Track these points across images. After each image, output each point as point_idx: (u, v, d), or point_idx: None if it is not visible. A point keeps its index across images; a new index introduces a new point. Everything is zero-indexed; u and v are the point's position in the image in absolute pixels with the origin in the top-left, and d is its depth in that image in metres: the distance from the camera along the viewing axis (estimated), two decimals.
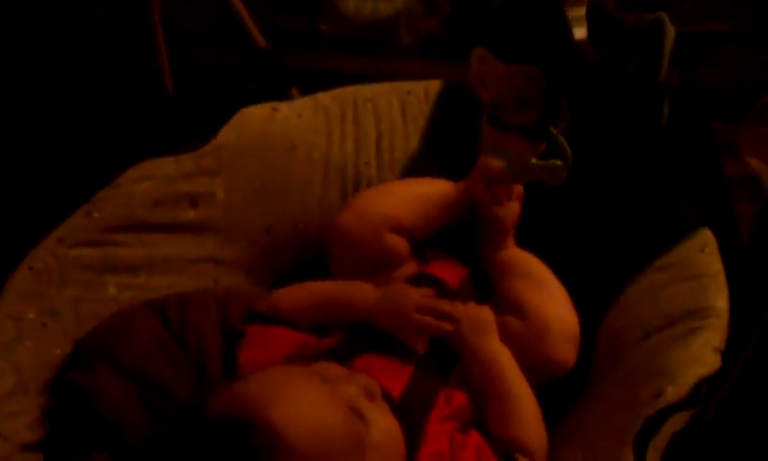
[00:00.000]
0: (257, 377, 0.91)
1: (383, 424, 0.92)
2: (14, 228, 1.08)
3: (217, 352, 1.07)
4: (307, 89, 1.37)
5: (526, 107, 0.99)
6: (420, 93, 1.37)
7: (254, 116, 1.25)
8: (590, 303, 1.17)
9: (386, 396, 0.98)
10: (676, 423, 0.96)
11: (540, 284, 1.16)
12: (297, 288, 1.12)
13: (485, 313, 1.07)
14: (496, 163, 1.15)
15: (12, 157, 1.52)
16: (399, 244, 1.17)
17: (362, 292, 1.08)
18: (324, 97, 1.33)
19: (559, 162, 1.06)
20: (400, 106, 1.36)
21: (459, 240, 1.25)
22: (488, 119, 1.12)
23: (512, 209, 1.19)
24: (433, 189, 1.22)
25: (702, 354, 1.02)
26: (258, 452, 0.84)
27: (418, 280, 1.15)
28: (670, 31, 0.94)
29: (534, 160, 1.09)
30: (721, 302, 1.09)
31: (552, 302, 1.14)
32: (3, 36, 1.72)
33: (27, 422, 0.94)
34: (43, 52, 1.74)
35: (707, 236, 1.17)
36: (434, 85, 1.38)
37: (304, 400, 0.87)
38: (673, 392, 0.97)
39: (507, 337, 1.11)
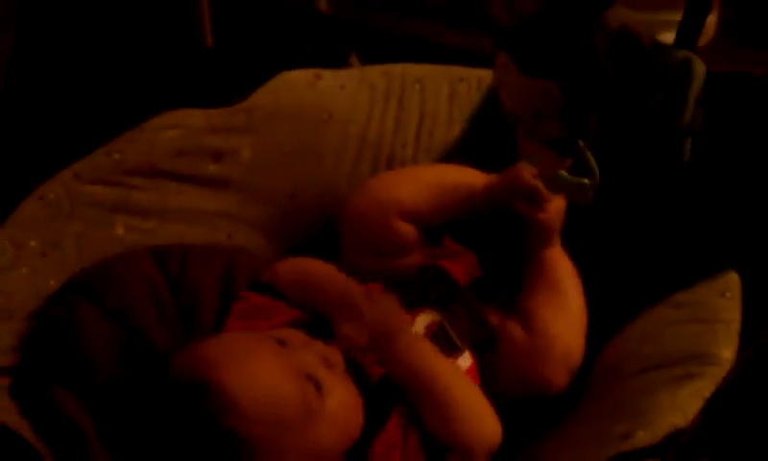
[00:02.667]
0: (216, 340, 0.94)
1: (340, 394, 0.94)
2: (37, 163, 1.12)
3: (212, 309, 1.09)
4: (374, 53, 1.36)
5: (543, 122, 0.96)
6: (473, 81, 1.35)
7: (295, 81, 1.26)
8: (598, 324, 1.14)
9: (361, 375, 0.99)
10: None
11: (563, 303, 1.12)
12: (296, 263, 1.12)
13: (390, 307, 1.01)
14: (531, 172, 1.11)
15: (44, 96, 1.56)
16: (408, 232, 1.15)
17: (341, 279, 1.07)
18: (372, 71, 1.32)
19: (586, 181, 1.03)
20: (449, 91, 1.34)
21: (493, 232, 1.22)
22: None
23: (555, 210, 1.12)
24: (458, 178, 1.18)
25: (686, 404, 0.98)
26: (208, 414, 0.87)
27: (423, 272, 1.15)
28: (698, 73, 0.90)
29: (562, 174, 1.06)
30: (726, 352, 1.05)
31: (566, 326, 1.11)
32: None
33: (3, 347, 0.98)
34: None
35: (731, 280, 1.12)
36: (489, 75, 1.35)
37: (258, 366, 0.89)
38: (643, 436, 0.95)
39: (504, 344, 1.10)
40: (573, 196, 1.06)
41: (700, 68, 0.91)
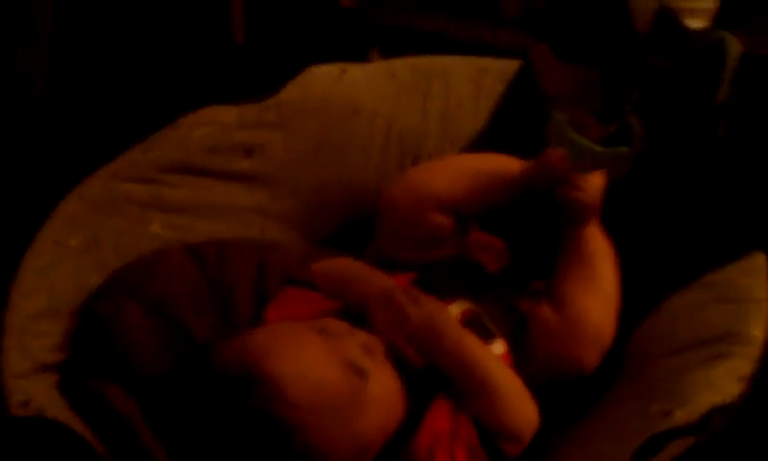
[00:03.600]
0: (261, 330, 0.95)
1: (382, 381, 0.95)
2: (76, 163, 1.14)
3: (248, 303, 1.10)
4: (394, 48, 1.37)
5: (585, 104, 0.97)
6: (497, 72, 1.36)
7: (322, 76, 1.28)
8: (630, 304, 1.14)
9: (402, 363, 1.00)
10: (678, 446, 0.95)
11: (595, 283, 1.12)
12: (334, 263, 1.13)
13: (433, 303, 1.04)
14: (559, 155, 1.11)
15: (80, 96, 1.59)
16: (445, 224, 1.16)
17: (379, 277, 1.08)
18: (398, 64, 1.35)
19: (624, 149, 1.02)
20: (474, 82, 1.36)
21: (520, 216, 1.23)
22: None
23: (592, 189, 1.11)
24: (495, 166, 1.18)
25: (722, 382, 1.00)
26: (257, 403, 0.88)
27: (455, 261, 1.16)
28: (732, 53, 0.91)
29: (599, 148, 1.04)
30: (756, 330, 1.06)
31: (599, 306, 1.12)
32: None
33: (51, 344, 0.99)
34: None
35: (759, 261, 1.13)
36: (512, 66, 1.36)
37: (304, 355, 0.91)
38: (681, 415, 0.95)
39: (536, 327, 1.11)
40: (611, 167, 1.04)
41: (734, 48, 0.92)
